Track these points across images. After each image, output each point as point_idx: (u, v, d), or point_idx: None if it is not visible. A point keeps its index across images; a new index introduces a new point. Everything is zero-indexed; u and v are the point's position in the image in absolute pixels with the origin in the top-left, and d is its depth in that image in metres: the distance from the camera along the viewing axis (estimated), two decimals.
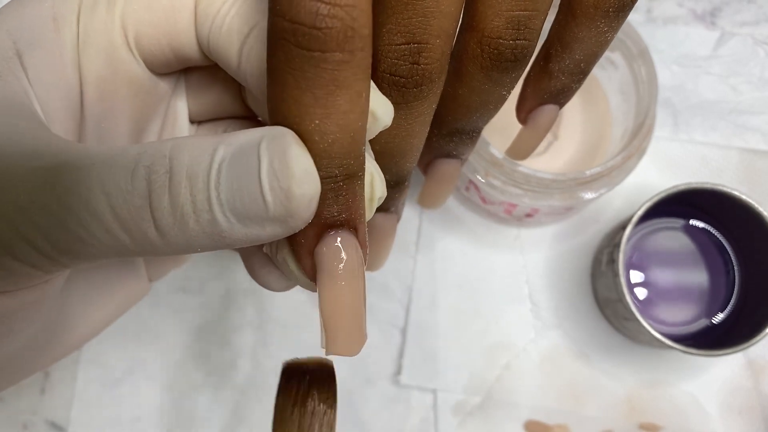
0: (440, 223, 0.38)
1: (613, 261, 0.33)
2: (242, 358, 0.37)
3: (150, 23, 0.17)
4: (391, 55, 0.16)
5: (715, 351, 0.31)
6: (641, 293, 0.36)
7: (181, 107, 0.21)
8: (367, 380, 0.36)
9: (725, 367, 0.36)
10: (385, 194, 0.17)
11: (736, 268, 0.35)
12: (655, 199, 0.32)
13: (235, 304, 0.37)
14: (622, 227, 0.33)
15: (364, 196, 0.16)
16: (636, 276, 0.36)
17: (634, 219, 0.32)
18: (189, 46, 0.18)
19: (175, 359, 0.37)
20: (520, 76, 0.19)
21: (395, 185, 0.21)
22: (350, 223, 0.15)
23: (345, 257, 0.15)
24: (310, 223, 0.15)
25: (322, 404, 0.17)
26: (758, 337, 0.30)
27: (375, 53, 0.16)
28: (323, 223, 0.15)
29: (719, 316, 0.35)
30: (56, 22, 0.17)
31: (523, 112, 0.23)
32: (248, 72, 0.17)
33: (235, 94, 0.21)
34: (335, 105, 0.14)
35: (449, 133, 0.21)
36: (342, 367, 0.36)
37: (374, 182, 0.16)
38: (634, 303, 0.31)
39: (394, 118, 0.17)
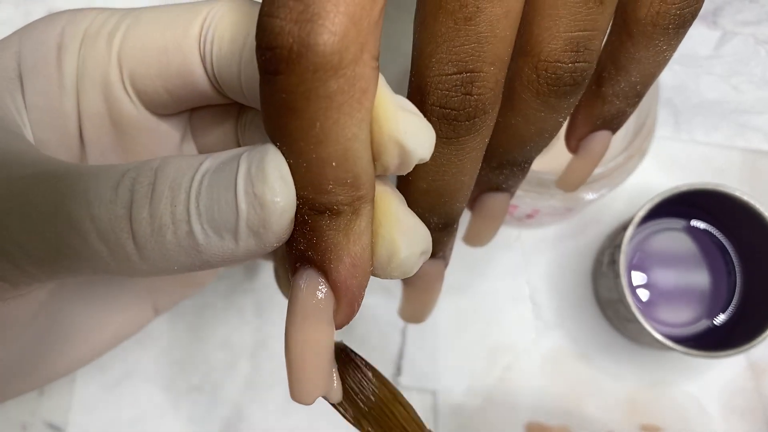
0: None
1: (614, 262, 0.33)
2: (242, 358, 0.36)
3: (143, 63, 0.16)
4: (441, 86, 0.15)
5: (716, 352, 0.31)
6: (642, 294, 0.35)
7: (188, 150, 0.20)
8: None
9: (726, 369, 0.36)
10: (417, 262, 0.15)
11: (737, 269, 0.35)
12: (657, 200, 0.32)
13: (235, 304, 0.37)
14: (624, 228, 0.33)
15: (349, 237, 0.14)
16: (637, 277, 0.36)
17: (636, 220, 0.32)
18: (191, 87, 0.17)
19: (175, 360, 0.36)
20: (577, 100, 0.17)
21: (443, 228, 0.19)
22: (318, 264, 0.14)
23: (301, 295, 0.14)
24: (288, 252, 0.14)
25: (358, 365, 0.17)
26: (760, 339, 0.30)
27: (424, 86, 0.15)
28: (294, 254, 0.14)
29: (721, 318, 0.35)
30: (60, 51, 0.17)
31: (575, 140, 0.21)
32: (247, 89, 0.16)
33: (236, 134, 0.20)
34: (285, 130, 0.13)
35: (499, 165, 0.19)
36: None
37: (396, 242, 0.15)
38: (635, 304, 0.31)
39: (444, 155, 0.16)
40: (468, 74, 0.15)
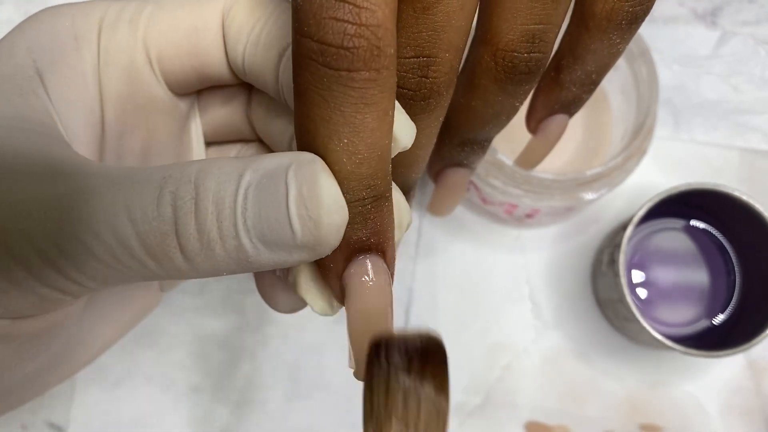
0: (440, 224, 0.38)
1: (613, 261, 0.33)
2: (242, 358, 0.37)
3: (173, 44, 0.17)
4: (400, 68, 0.16)
5: (715, 352, 0.31)
6: (642, 294, 0.35)
7: (195, 128, 0.21)
8: None
9: (726, 368, 0.36)
10: (412, 220, 0.17)
11: (736, 268, 0.35)
12: (656, 200, 0.32)
13: (235, 304, 0.37)
14: (623, 228, 0.33)
15: (393, 218, 0.15)
16: (637, 276, 0.36)
17: (635, 219, 0.32)
18: (215, 66, 0.18)
19: (175, 360, 0.36)
20: (533, 87, 0.19)
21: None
22: (379, 247, 0.15)
23: (373, 282, 0.15)
24: (338, 248, 0.15)
25: (428, 386, 0.14)
26: (759, 338, 0.30)
27: None
28: (352, 248, 0.15)
29: (720, 317, 0.35)
30: (77, 41, 0.17)
31: (533, 122, 0.23)
32: (287, 88, 0.17)
33: (242, 116, 0.21)
34: (363, 123, 0.14)
35: (460, 143, 0.21)
36: (342, 367, 0.36)
37: (401, 208, 0.16)
38: (634, 303, 0.31)
39: None
40: (424, 59, 0.16)
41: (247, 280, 0.37)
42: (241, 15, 0.17)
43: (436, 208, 0.25)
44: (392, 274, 0.16)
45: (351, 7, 0.13)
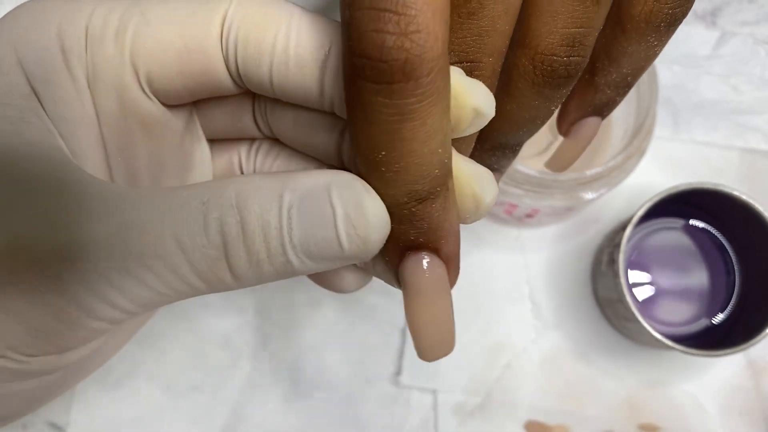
0: None
1: (613, 261, 0.33)
2: (242, 358, 0.37)
3: (163, 65, 0.16)
4: None
5: (715, 351, 0.31)
6: (641, 293, 0.36)
7: (196, 132, 0.20)
8: (367, 380, 0.36)
9: (726, 368, 0.36)
10: (495, 196, 0.17)
11: (736, 268, 0.35)
12: (656, 199, 0.32)
13: (235, 304, 0.37)
14: (623, 227, 0.33)
15: (448, 214, 0.16)
16: (636, 276, 0.36)
17: (635, 219, 0.32)
18: (213, 84, 0.17)
19: (175, 360, 0.36)
20: (569, 91, 0.19)
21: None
22: (429, 244, 0.16)
23: (425, 277, 0.16)
24: (390, 248, 0.16)
25: None
26: (759, 338, 0.30)
27: None
28: (402, 246, 0.16)
29: (719, 317, 0.35)
30: (65, 54, 0.16)
31: (566, 125, 0.22)
32: (339, 102, 0.16)
33: (248, 115, 0.20)
34: (400, 134, 0.14)
35: (492, 148, 0.20)
36: (342, 367, 0.36)
37: (478, 191, 0.16)
38: (634, 303, 0.31)
39: None
40: (468, 64, 0.16)
41: None
42: (253, 33, 0.16)
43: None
44: (454, 266, 0.17)
45: (391, 15, 0.13)
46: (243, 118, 0.20)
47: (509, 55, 0.18)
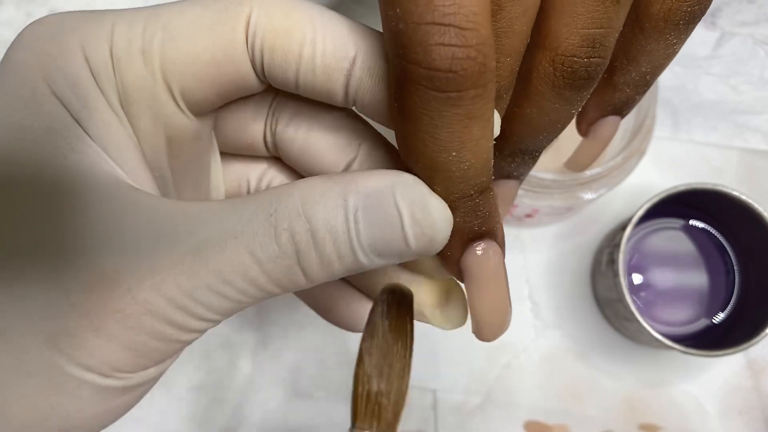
0: None
1: (613, 261, 0.33)
2: (242, 358, 0.37)
3: (195, 77, 0.17)
4: None
5: (715, 351, 0.31)
6: (641, 293, 0.36)
7: (212, 142, 0.20)
8: None
9: (725, 368, 0.36)
10: (497, 129, 0.18)
11: (736, 268, 0.35)
12: (655, 200, 0.32)
13: None
14: (622, 227, 0.33)
15: (497, 204, 0.17)
16: (636, 276, 0.36)
17: (634, 219, 0.32)
18: (241, 88, 0.17)
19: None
20: (590, 93, 0.18)
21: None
22: (490, 233, 0.17)
23: (487, 263, 0.17)
24: (454, 240, 0.17)
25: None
26: (758, 338, 0.30)
27: None
28: (466, 238, 0.17)
29: (719, 317, 0.35)
30: (97, 79, 0.16)
31: (585, 124, 0.22)
32: (363, 104, 0.17)
33: (260, 127, 0.20)
34: (470, 135, 0.15)
35: (512, 153, 0.20)
36: (342, 366, 0.36)
37: None
38: (634, 303, 0.31)
39: None
40: None
41: None
42: (279, 41, 0.16)
43: None
44: (503, 251, 0.18)
45: (456, 30, 0.13)
46: (255, 134, 0.20)
47: (528, 58, 0.18)
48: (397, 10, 0.14)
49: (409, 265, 0.20)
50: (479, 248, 0.17)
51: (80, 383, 0.15)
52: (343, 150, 0.19)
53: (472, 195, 0.16)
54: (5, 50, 0.17)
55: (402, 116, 0.15)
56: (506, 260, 0.40)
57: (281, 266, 0.15)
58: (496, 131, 0.17)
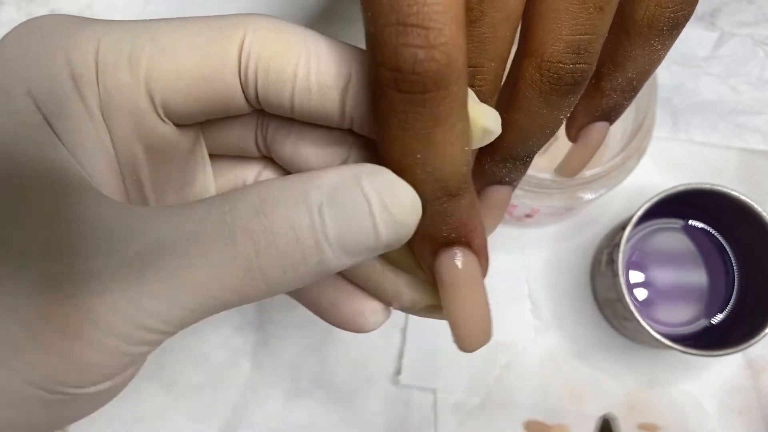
0: None
1: (612, 261, 0.33)
2: (242, 358, 0.37)
3: (180, 92, 0.16)
4: None
5: (714, 351, 0.31)
6: (641, 293, 0.36)
7: (200, 149, 0.20)
8: (367, 380, 0.36)
9: (724, 367, 0.36)
10: (498, 127, 0.17)
11: (735, 268, 0.35)
12: (655, 200, 0.32)
13: None
14: (622, 227, 0.33)
15: (476, 212, 0.16)
16: (635, 276, 0.36)
17: (634, 219, 0.32)
18: (229, 108, 0.17)
19: (176, 359, 0.37)
20: (577, 99, 0.19)
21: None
22: (462, 239, 0.17)
23: (456, 271, 0.17)
24: (423, 244, 0.17)
25: None
26: (757, 337, 0.30)
27: None
28: (435, 244, 0.17)
29: (718, 317, 0.35)
30: (76, 82, 0.16)
31: (574, 130, 0.23)
32: (361, 121, 0.17)
33: (251, 133, 0.20)
34: (433, 138, 0.15)
35: (503, 159, 0.20)
36: (342, 367, 0.36)
37: (483, 119, 0.16)
38: (633, 303, 0.31)
39: None
40: (471, 68, 0.17)
41: None
42: (273, 63, 0.16)
43: None
44: (484, 258, 0.17)
45: (419, 30, 0.13)
46: (246, 139, 0.20)
47: (515, 66, 0.18)
48: (369, 13, 0.14)
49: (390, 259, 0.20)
50: (451, 256, 0.17)
51: (25, 398, 0.14)
52: (335, 153, 0.19)
53: (440, 199, 0.16)
54: None
55: (375, 118, 0.15)
56: (506, 260, 0.40)
57: (238, 270, 0.14)
58: (497, 130, 0.16)
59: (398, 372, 0.36)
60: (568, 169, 0.24)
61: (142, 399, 0.36)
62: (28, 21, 0.17)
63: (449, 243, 0.17)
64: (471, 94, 0.16)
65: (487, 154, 0.20)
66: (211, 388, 0.36)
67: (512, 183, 0.22)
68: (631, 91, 0.21)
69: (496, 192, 0.22)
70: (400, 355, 0.36)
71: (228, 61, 0.16)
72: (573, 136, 0.23)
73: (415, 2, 0.13)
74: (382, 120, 0.15)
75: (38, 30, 0.16)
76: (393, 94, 0.14)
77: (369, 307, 0.20)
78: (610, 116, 0.22)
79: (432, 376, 0.36)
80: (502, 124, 0.19)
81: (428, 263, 0.17)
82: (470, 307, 0.17)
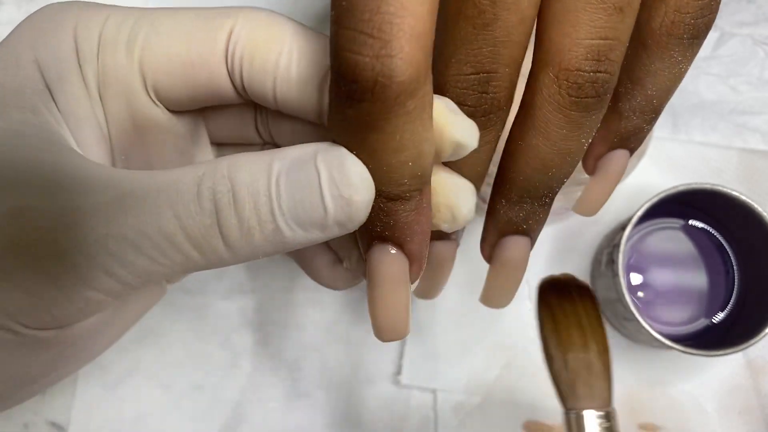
0: None
1: (612, 261, 0.33)
2: (242, 358, 0.37)
3: (169, 75, 0.17)
4: (460, 85, 0.16)
5: (714, 351, 0.31)
6: (641, 293, 0.36)
7: (201, 137, 0.21)
8: (367, 380, 0.36)
9: (724, 367, 0.36)
10: (472, 209, 0.18)
11: (735, 268, 0.35)
12: (655, 200, 0.32)
13: (235, 304, 0.37)
14: (622, 228, 0.33)
15: (418, 218, 0.16)
16: (635, 276, 0.36)
17: (634, 219, 0.32)
18: (216, 96, 0.18)
19: (175, 359, 0.37)
20: (599, 120, 0.17)
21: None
22: (394, 239, 0.17)
23: (385, 266, 0.17)
24: (362, 236, 0.17)
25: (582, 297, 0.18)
26: (757, 337, 0.30)
27: (443, 84, 0.17)
28: (371, 235, 0.17)
29: (719, 316, 0.35)
30: (79, 56, 0.17)
31: (591, 160, 0.21)
32: (282, 102, 0.18)
33: (249, 122, 0.21)
34: (368, 143, 0.15)
35: (520, 198, 0.19)
36: (342, 367, 0.36)
37: (454, 201, 0.17)
38: (633, 303, 0.31)
39: None
40: (485, 74, 0.16)
41: (248, 280, 0.38)
42: (258, 52, 0.17)
43: (493, 295, 0.23)
44: (416, 264, 0.17)
45: (366, 38, 0.13)
46: (246, 125, 0.21)
47: (530, 83, 0.17)
48: (332, 13, 0.14)
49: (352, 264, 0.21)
50: (382, 251, 0.17)
51: None
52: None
53: (379, 197, 0.16)
54: None
55: (327, 116, 0.16)
56: None
57: (200, 225, 0.15)
58: (471, 144, 0.16)
59: (398, 372, 0.36)
60: (587, 206, 0.22)
61: (142, 399, 0.36)
62: (46, 5, 0.18)
63: (383, 239, 0.17)
64: (448, 104, 0.16)
65: (501, 194, 0.19)
66: (211, 388, 0.36)
67: (530, 233, 0.20)
68: (651, 112, 0.19)
69: (514, 247, 0.20)
70: (400, 355, 0.36)
71: (215, 49, 0.17)
72: (590, 167, 0.21)
73: (369, 9, 0.13)
74: (330, 115, 0.15)
75: (54, 10, 0.18)
76: (336, 93, 0.14)
77: (342, 273, 0.21)
78: (630, 143, 0.20)
79: (432, 376, 0.36)
80: (517, 153, 0.18)
81: (364, 252, 0.17)
82: (388, 305, 0.17)
